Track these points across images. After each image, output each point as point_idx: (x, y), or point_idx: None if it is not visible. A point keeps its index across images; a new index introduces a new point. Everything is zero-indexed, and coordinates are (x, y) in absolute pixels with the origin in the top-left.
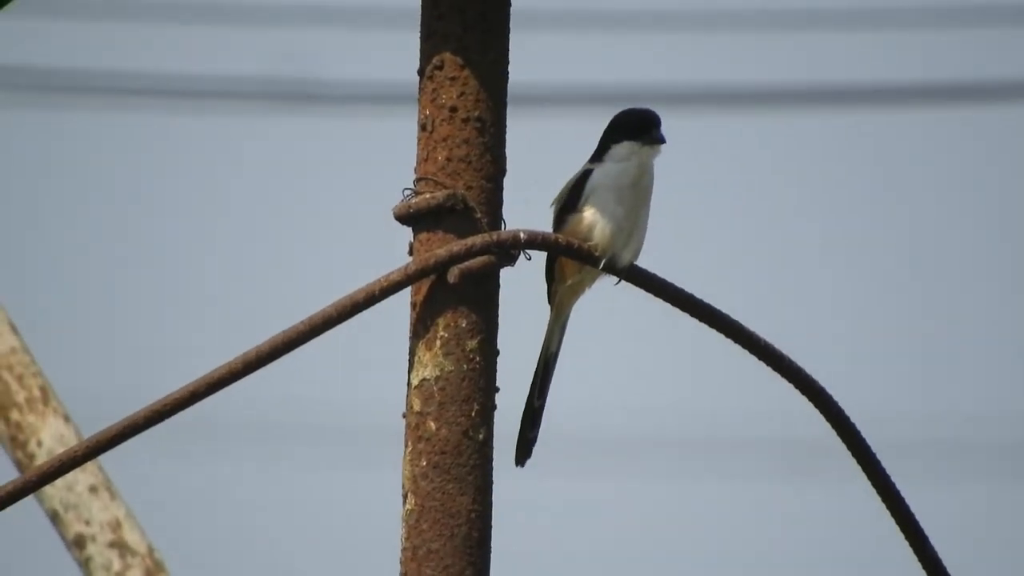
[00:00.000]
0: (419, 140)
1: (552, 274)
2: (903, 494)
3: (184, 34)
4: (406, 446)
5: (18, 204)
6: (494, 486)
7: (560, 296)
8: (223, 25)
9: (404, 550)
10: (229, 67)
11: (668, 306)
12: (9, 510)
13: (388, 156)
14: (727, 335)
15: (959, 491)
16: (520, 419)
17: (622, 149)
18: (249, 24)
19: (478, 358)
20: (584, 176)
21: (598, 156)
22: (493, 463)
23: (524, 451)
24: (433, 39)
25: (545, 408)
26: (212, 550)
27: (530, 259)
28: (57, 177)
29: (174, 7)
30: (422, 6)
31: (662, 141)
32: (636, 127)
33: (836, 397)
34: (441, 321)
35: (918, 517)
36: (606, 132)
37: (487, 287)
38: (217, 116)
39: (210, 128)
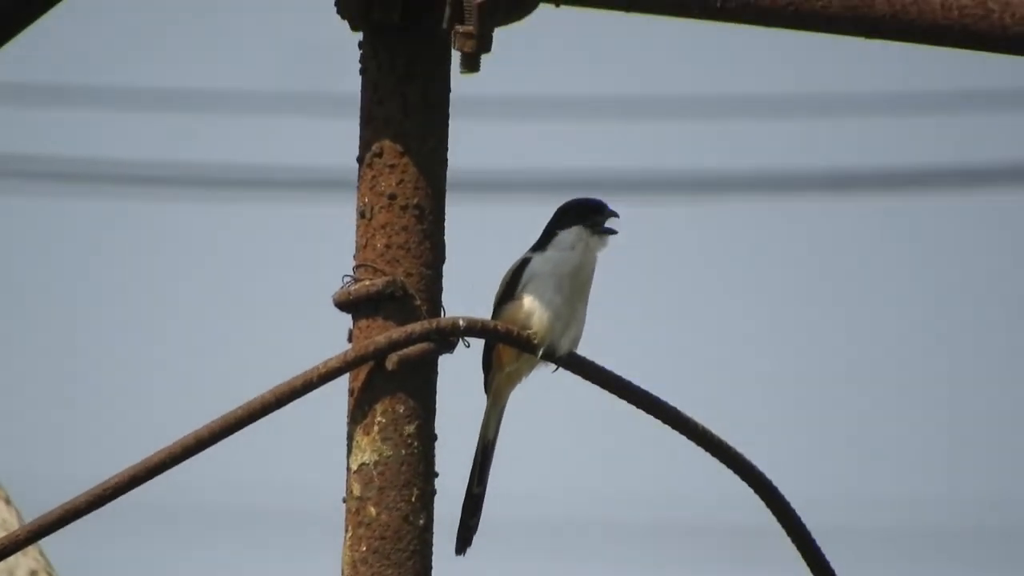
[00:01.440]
0: (358, 227)
1: (490, 362)
2: None
3: (119, 119)
4: (346, 531)
5: None
6: (433, 572)
7: (497, 384)
8: (150, 111)
9: None
10: (171, 153)
11: (607, 393)
12: None
13: (330, 242)
14: (665, 421)
15: None
16: (460, 506)
17: (569, 235)
18: (186, 110)
19: (416, 443)
20: (523, 264)
21: (541, 244)
22: (433, 549)
23: (464, 539)
24: (373, 124)
25: (485, 495)
26: None
27: (469, 346)
28: None
29: (103, 92)
30: (361, 90)
31: (613, 232)
32: (586, 214)
33: (776, 482)
34: (379, 407)
35: None
36: (553, 219)
37: (425, 373)
38: (157, 202)
39: (151, 213)
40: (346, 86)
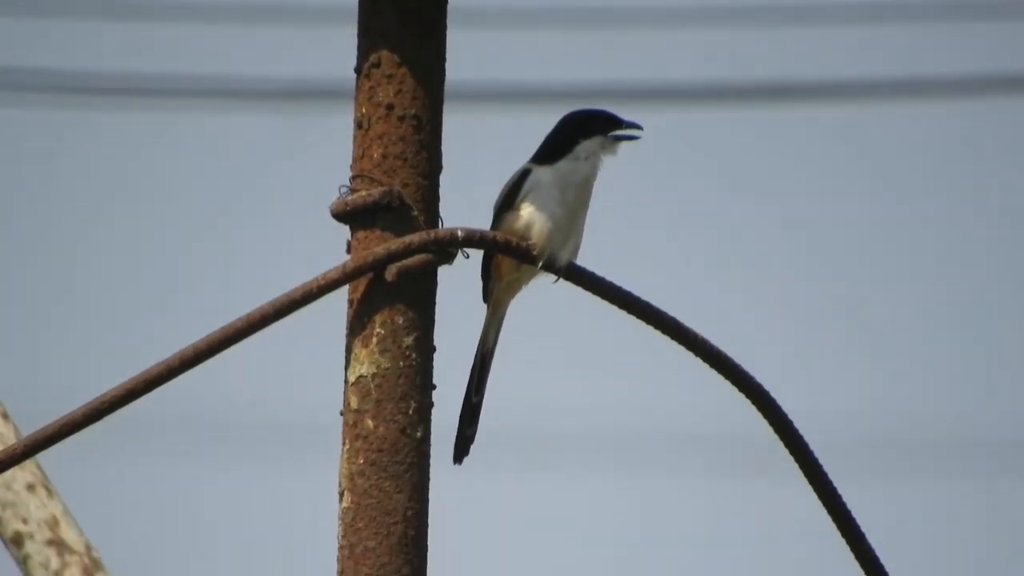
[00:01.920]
0: (355, 138)
1: (489, 272)
2: (840, 492)
3: (109, 30)
4: (343, 444)
5: None
6: (431, 484)
7: (497, 294)
8: (149, 21)
9: (341, 548)
10: (170, 64)
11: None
12: None
13: (327, 153)
14: (665, 332)
15: (897, 489)
16: (458, 416)
17: (591, 145)
18: (188, 20)
19: (415, 355)
20: (524, 175)
21: (547, 155)
22: (430, 460)
23: (462, 448)
24: (370, 36)
25: (483, 405)
26: (150, 548)
27: (468, 257)
28: None
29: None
30: (360, 2)
31: (633, 137)
32: (602, 124)
33: (775, 394)
34: (378, 318)
35: (855, 515)
36: (569, 130)
37: (424, 285)
38: (154, 112)
39: (149, 124)
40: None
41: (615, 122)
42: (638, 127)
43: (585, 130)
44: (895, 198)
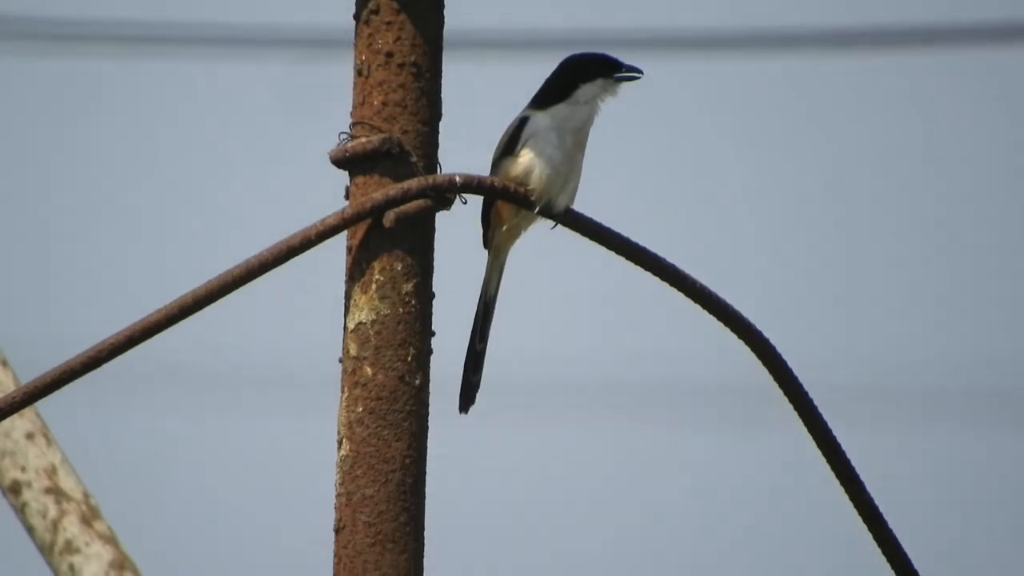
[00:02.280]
0: (355, 85)
1: (488, 218)
2: (839, 439)
3: None
4: (342, 392)
5: None
6: (432, 432)
7: (497, 240)
8: None
9: (339, 496)
10: (167, 12)
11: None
12: None
13: (325, 100)
14: (663, 278)
15: (895, 436)
16: (462, 364)
17: (593, 88)
18: None
19: (414, 301)
20: (522, 122)
21: (545, 100)
22: (429, 409)
23: (467, 397)
24: None
25: (486, 352)
26: (147, 496)
27: (466, 203)
28: None
29: None
30: None
31: (639, 72)
32: (605, 66)
33: (774, 340)
34: (377, 264)
35: (854, 462)
36: (568, 74)
37: (423, 230)
38: (152, 60)
39: (145, 72)
40: None
41: (615, 65)
42: (638, 70)
43: (585, 73)
44: (900, 144)
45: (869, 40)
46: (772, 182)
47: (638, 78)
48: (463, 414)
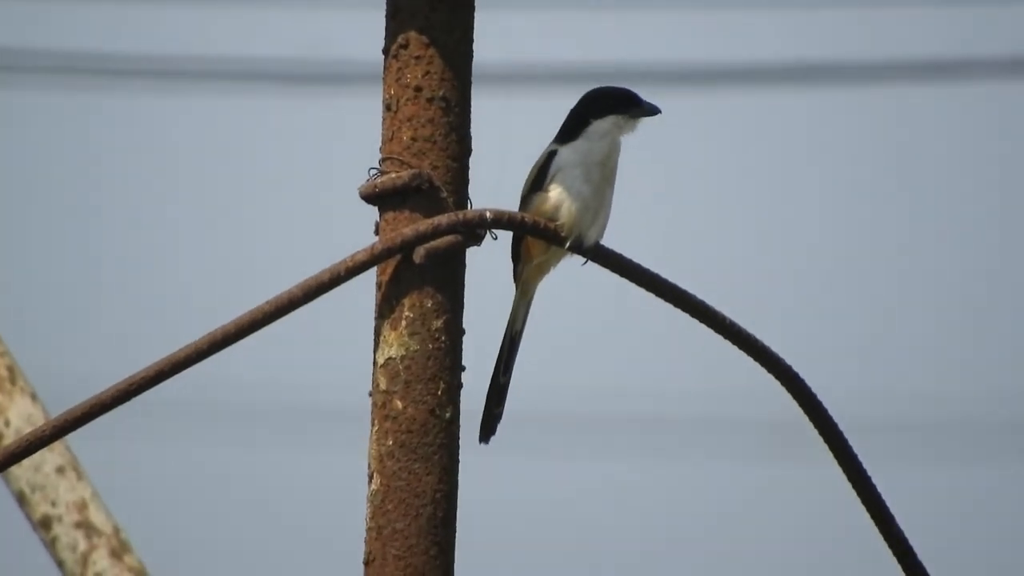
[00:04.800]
0: (384, 120)
1: (518, 253)
2: (869, 473)
3: (139, 12)
4: (372, 425)
5: None
6: (461, 466)
7: (526, 275)
8: (170, 4)
9: (369, 530)
10: (205, 47)
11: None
12: None
13: (356, 135)
14: (693, 315)
15: (925, 472)
16: (485, 396)
17: (605, 124)
18: (215, 3)
19: (444, 337)
20: (550, 156)
21: (567, 135)
22: (459, 442)
23: (488, 428)
24: (399, 17)
25: (510, 385)
26: (178, 530)
27: (496, 239)
28: (19, 158)
29: None
30: None
31: (657, 109)
32: (620, 102)
33: (805, 377)
34: (407, 301)
35: (885, 497)
36: (581, 107)
37: (453, 267)
38: (188, 97)
39: (175, 109)
40: None
41: (632, 101)
42: (656, 108)
43: (598, 109)
44: (928, 177)
45: (887, 72)
46: (803, 218)
47: (655, 115)
48: (483, 444)
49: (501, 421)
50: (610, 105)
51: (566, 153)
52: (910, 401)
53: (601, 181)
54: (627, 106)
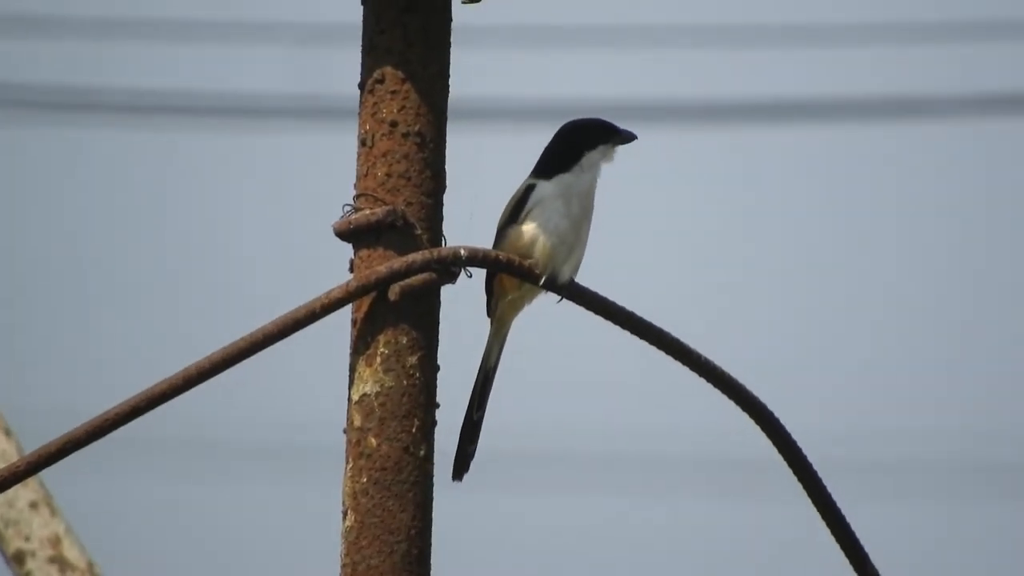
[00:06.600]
0: (359, 155)
1: (492, 288)
2: (843, 512)
3: (122, 48)
4: (347, 462)
5: None
6: (435, 502)
7: (500, 311)
8: (156, 40)
9: (344, 567)
10: (175, 82)
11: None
12: None
13: (330, 171)
14: (668, 353)
15: (900, 509)
16: (459, 433)
17: (596, 154)
18: (191, 40)
19: (418, 374)
20: (528, 190)
21: (554, 168)
22: (434, 479)
23: (461, 465)
24: (375, 53)
25: (483, 422)
26: (152, 566)
27: (471, 276)
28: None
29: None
30: (364, 20)
31: (633, 135)
32: (605, 130)
33: (780, 416)
34: (382, 338)
35: (858, 535)
36: (574, 140)
37: (427, 304)
38: (157, 131)
39: (153, 142)
40: (348, 16)
41: (613, 131)
42: (632, 134)
43: (588, 140)
44: (900, 215)
45: (886, 109)
46: (779, 258)
47: (632, 141)
48: (456, 481)
49: (474, 458)
50: (598, 135)
51: (545, 186)
52: (884, 439)
53: (580, 215)
54: (610, 134)
